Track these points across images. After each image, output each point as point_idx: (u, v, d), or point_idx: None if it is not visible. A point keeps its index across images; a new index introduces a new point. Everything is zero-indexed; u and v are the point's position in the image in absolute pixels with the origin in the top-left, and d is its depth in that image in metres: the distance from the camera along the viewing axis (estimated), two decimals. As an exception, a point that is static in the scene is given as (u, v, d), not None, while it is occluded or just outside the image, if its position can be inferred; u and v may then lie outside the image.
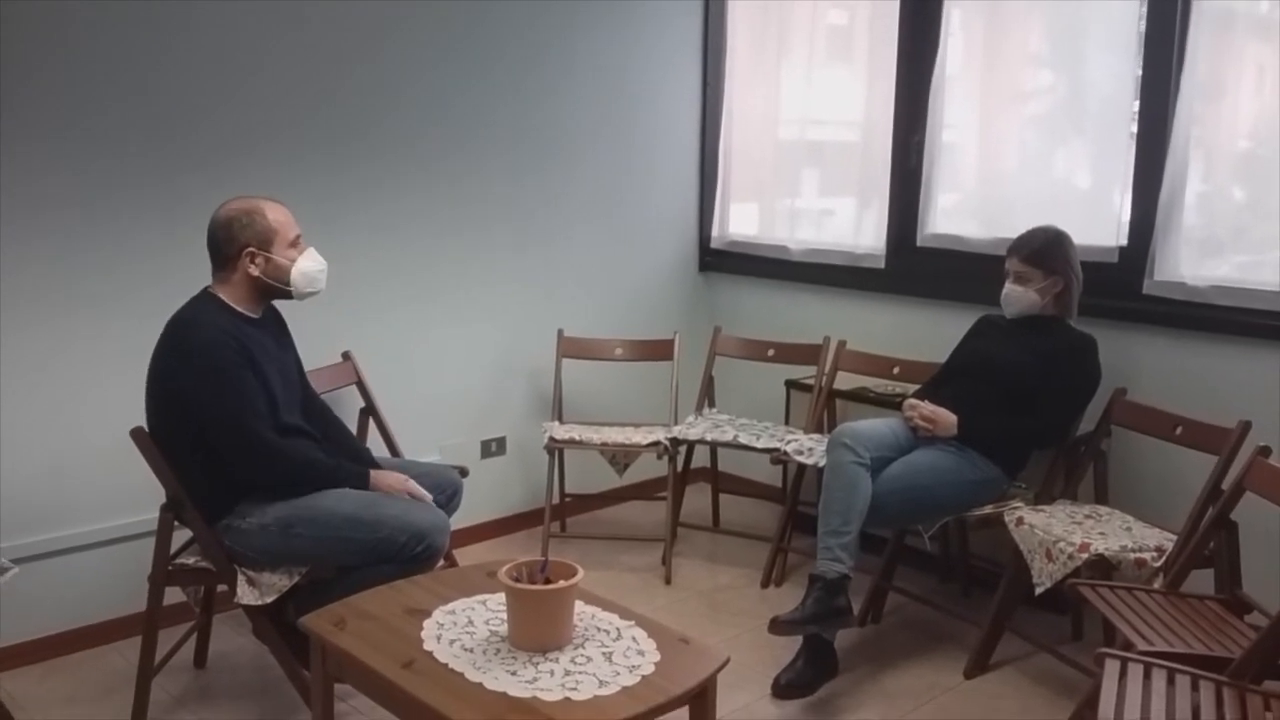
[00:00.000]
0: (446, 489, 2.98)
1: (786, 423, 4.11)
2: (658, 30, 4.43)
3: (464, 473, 3.18)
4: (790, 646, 3.05)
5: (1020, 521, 3.05)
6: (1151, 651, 2.25)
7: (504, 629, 2.25)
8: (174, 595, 2.90)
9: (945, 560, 3.76)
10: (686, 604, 3.64)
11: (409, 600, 2.42)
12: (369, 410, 3.52)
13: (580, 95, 4.22)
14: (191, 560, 2.80)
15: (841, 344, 3.91)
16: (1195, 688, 2.09)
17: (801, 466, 3.68)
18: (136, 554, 3.00)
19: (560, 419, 4.08)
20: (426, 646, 2.20)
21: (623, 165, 4.41)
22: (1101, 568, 2.84)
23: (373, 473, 2.85)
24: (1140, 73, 3.36)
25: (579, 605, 2.33)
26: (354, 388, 3.53)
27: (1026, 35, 3.79)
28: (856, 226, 4.22)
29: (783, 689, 2.95)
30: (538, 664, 2.13)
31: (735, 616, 3.53)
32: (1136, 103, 3.38)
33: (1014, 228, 3.36)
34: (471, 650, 2.18)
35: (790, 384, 4.13)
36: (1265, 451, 2.58)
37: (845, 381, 3.91)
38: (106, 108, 3.13)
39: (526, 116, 4.07)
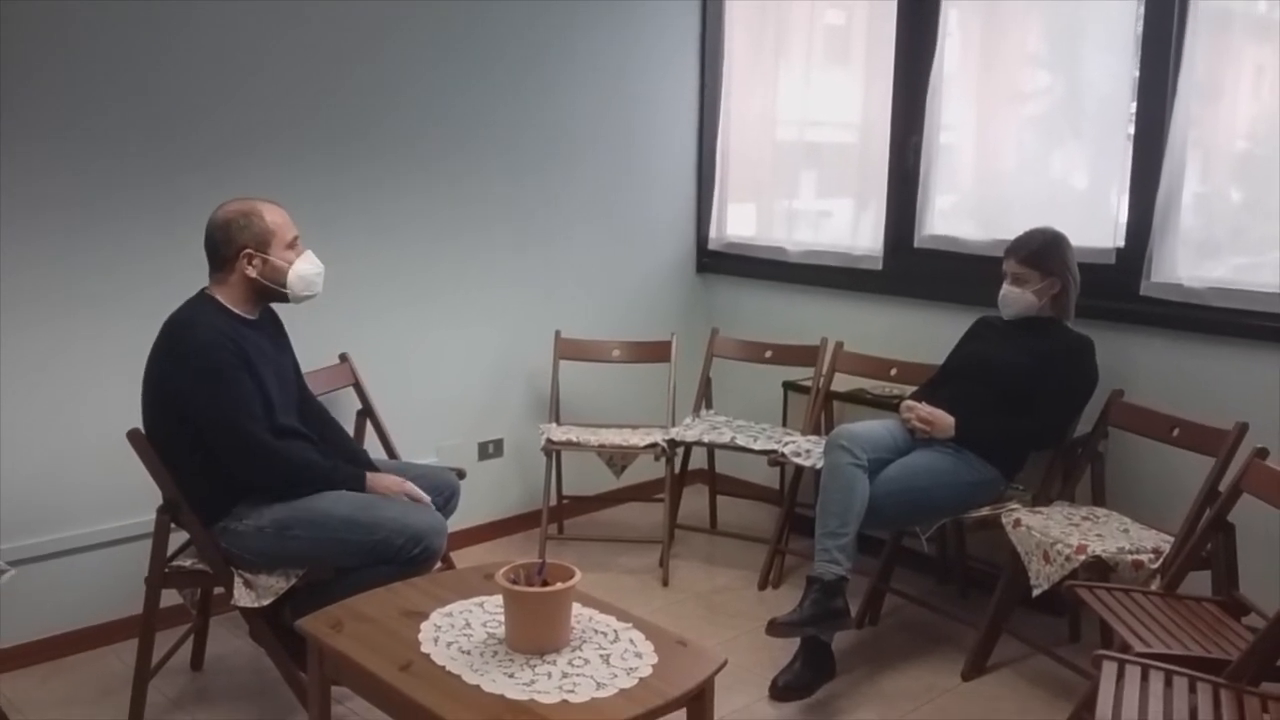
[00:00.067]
0: (444, 491, 2.98)
1: (784, 424, 4.10)
2: (656, 31, 4.43)
3: (461, 474, 3.18)
4: (788, 648, 3.05)
5: (1018, 523, 3.05)
6: (1149, 653, 2.25)
7: (501, 631, 2.25)
8: (171, 597, 2.89)
9: (943, 562, 3.76)
10: (684, 606, 3.64)
11: (406, 602, 2.41)
12: (366, 412, 3.52)
13: (579, 96, 4.22)
14: (188, 562, 2.80)
15: (839, 345, 3.91)
16: (1193, 690, 2.10)
17: (799, 468, 3.68)
18: (134, 556, 2.99)
19: (557, 421, 4.08)
20: (424, 649, 2.19)
21: (621, 166, 4.41)
22: (1099, 569, 2.84)
23: (369, 474, 2.85)
24: (1138, 74, 3.36)
25: (576, 607, 2.33)
26: (351, 389, 3.53)
27: (1024, 36, 3.79)
28: (854, 228, 4.22)
29: (780, 691, 2.95)
30: (535, 666, 2.13)
31: (733, 618, 3.53)
32: (1134, 104, 3.38)
33: (1011, 229, 3.36)
34: (469, 652, 2.18)
35: (788, 385, 4.13)
36: (1262, 453, 2.59)
37: (843, 383, 3.91)
38: (106, 108, 3.13)
39: (526, 116, 4.07)
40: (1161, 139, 3.28)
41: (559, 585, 2.20)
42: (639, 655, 2.19)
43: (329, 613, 2.36)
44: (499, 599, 2.30)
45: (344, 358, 3.54)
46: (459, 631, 2.27)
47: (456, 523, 3.17)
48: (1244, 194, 3.26)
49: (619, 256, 4.48)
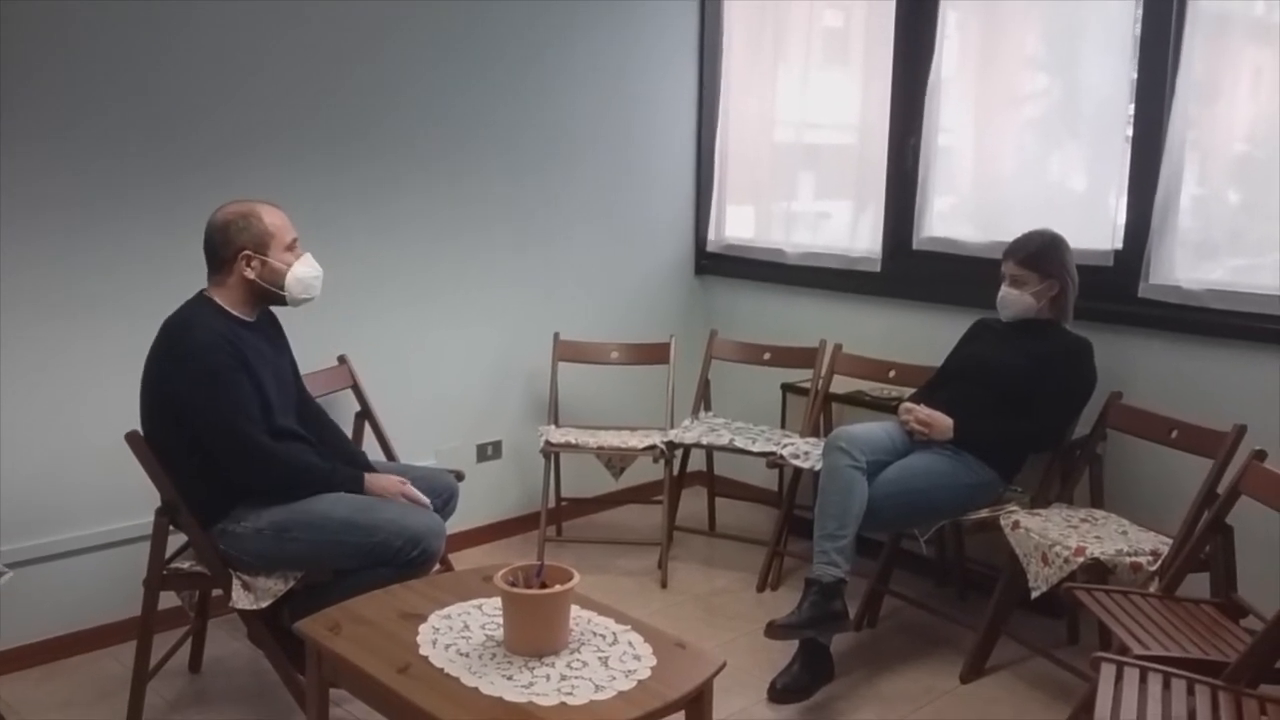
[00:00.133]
0: (442, 493, 2.98)
1: (782, 426, 4.10)
2: (656, 31, 4.43)
3: (460, 476, 3.18)
4: (786, 650, 3.05)
5: (1016, 525, 3.05)
6: (1147, 655, 2.25)
7: (500, 633, 2.25)
8: (169, 600, 2.89)
9: (941, 564, 3.75)
10: (682, 608, 3.64)
11: (404, 605, 2.41)
12: (364, 414, 3.52)
13: (578, 96, 4.22)
14: (186, 565, 2.80)
15: (837, 347, 3.91)
16: (1191, 692, 2.10)
17: (797, 470, 3.68)
18: (132, 558, 2.99)
19: (556, 422, 4.08)
20: (422, 651, 2.19)
21: (620, 167, 4.41)
22: (1097, 571, 2.84)
23: (368, 476, 2.85)
24: (1136, 76, 3.36)
25: (575, 609, 2.33)
26: (349, 391, 3.53)
27: (1022, 38, 3.79)
28: (852, 230, 4.22)
29: (779, 693, 2.95)
30: (533, 669, 2.13)
31: (731, 620, 3.53)
32: (1132, 106, 3.38)
33: (1010, 231, 3.37)
34: (467, 655, 2.18)
35: (786, 387, 4.13)
36: (1261, 455, 2.59)
37: (841, 385, 3.91)
38: (106, 108, 3.13)
39: (525, 116, 4.07)
40: (1159, 141, 3.28)
41: (557, 587, 2.20)
42: (637, 657, 2.19)
43: (327, 615, 2.35)
44: (497, 601, 2.29)
45: (342, 359, 3.54)
46: (457, 634, 2.27)
47: (455, 525, 3.17)
48: (1242, 196, 3.26)
49: (618, 258, 4.48)
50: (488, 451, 4.18)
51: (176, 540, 2.79)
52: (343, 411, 3.45)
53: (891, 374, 3.77)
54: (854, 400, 3.88)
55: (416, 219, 3.84)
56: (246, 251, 2.72)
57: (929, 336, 3.76)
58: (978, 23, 3.86)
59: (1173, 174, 3.27)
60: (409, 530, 2.68)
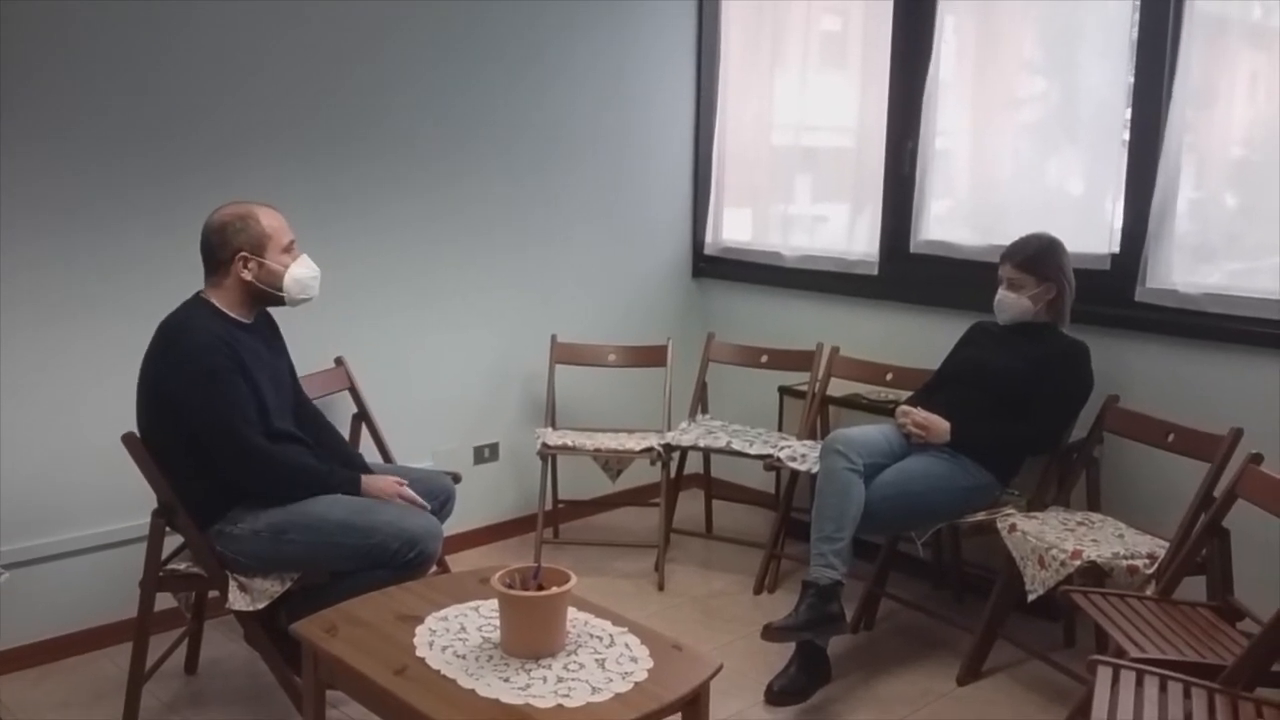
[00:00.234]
0: (439, 495, 2.98)
1: (780, 429, 4.11)
2: (654, 33, 4.43)
3: (456, 478, 3.17)
4: (783, 653, 3.05)
5: (1013, 528, 3.05)
6: (1144, 658, 2.25)
7: (496, 635, 2.25)
8: (166, 601, 2.89)
9: (938, 567, 3.75)
10: (679, 610, 3.64)
11: (401, 606, 2.41)
12: (361, 416, 3.52)
13: (577, 97, 4.22)
14: (183, 566, 2.79)
15: (835, 350, 3.91)
16: (1187, 695, 2.10)
17: (795, 473, 3.68)
18: (129, 559, 2.98)
19: (553, 425, 4.07)
20: (419, 653, 2.19)
21: (618, 168, 4.42)
22: (1094, 574, 2.85)
23: (365, 478, 2.85)
24: (1133, 80, 3.36)
25: (572, 612, 2.32)
26: (346, 393, 3.53)
27: (1019, 42, 3.80)
28: (850, 233, 4.23)
29: (776, 695, 2.95)
30: (530, 671, 2.13)
31: (728, 623, 3.53)
32: (1129, 110, 3.39)
33: (1007, 234, 3.37)
34: (464, 657, 2.18)
35: (783, 390, 4.13)
36: (1257, 459, 2.59)
37: (838, 388, 3.91)
38: (106, 108, 3.13)
39: (524, 117, 4.07)
40: (1156, 145, 3.29)
41: (554, 589, 2.20)
42: (634, 659, 2.19)
43: (324, 617, 2.35)
44: (494, 603, 2.29)
45: (340, 361, 3.54)
46: (454, 636, 2.27)
47: (452, 527, 3.16)
48: (1239, 200, 3.27)
49: (615, 260, 4.48)
50: (485, 453, 4.18)
51: (174, 541, 2.79)
52: (340, 413, 3.45)
53: (889, 377, 3.78)
54: (851, 403, 3.88)
55: (415, 220, 3.84)
56: (243, 253, 2.72)
57: (926, 339, 3.76)
58: (975, 26, 3.87)
59: (1170, 178, 3.27)
60: (406, 532, 2.68)
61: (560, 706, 2.00)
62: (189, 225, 2.84)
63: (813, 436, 3.82)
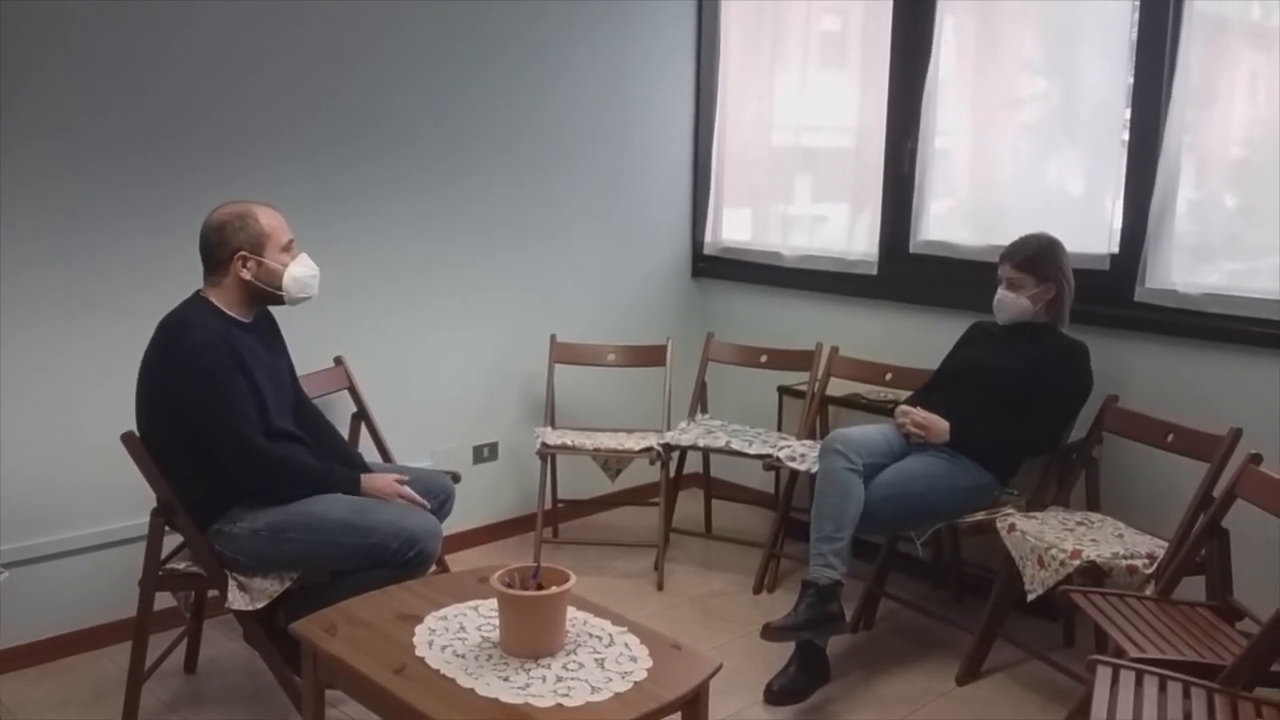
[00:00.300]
0: (438, 494, 2.98)
1: (779, 429, 4.11)
2: (653, 32, 4.43)
3: (456, 478, 3.17)
4: (783, 653, 3.05)
5: (1012, 528, 3.05)
6: (1143, 658, 2.25)
7: (496, 635, 2.25)
8: (165, 600, 2.89)
9: (938, 566, 3.76)
10: (679, 610, 3.64)
11: (401, 606, 2.41)
12: (361, 415, 3.52)
13: (577, 97, 4.22)
14: (182, 565, 2.79)
15: (834, 350, 3.91)
16: (1187, 695, 2.10)
17: (794, 472, 3.68)
18: (129, 558, 2.98)
19: (553, 424, 4.07)
20: (418, 652, 2.19)
21: (618, 168, 4.42)
22: (1093, 574, 2.85)
23: (364, 477, 2.85)
24: (1132, 80, 3.37)
25: (571, 611, 2.32)
26: (346, 393, 3.53)
27: (1019, 42, 3.80)
28: (849, 233, 4.23)
29: (775, 695, 2.95)
30: (530, 670, 2.13)
31: (728, 623, 3.53)
32: (1129, 110, 3.39)
33: (1006, 234, 3.37)
34: (463, 656, 2.18)
35: (783, 390, 4.14)
36: (1256, 459, 2.59)
37: (838, 388, 3.91)
38: (106, 108, 3.13)
39: (524, 117, 4.07)
40: (1156, 145, 3.29)
41: (554, 589, 2.20)
42: (634, 659, 2.19)
43: (323, 616, 2.35)
44: (494, 602, 2.29)
45: (339, 361, 3.54)
46: (453, 635, 2.27)
47: (451, 526, 3.17)
48: (1239, 200, 3.27)
49: (615, 260, 4.48)
50: (484, 453, 4.18)
51: (173, 541, 2.79)
52: (339, 413, 3.45)
53: (888, 377, 3.77)
54: (850, 403, 3.88)
55: (415, 220, 3.84)
56: (242, 252, 2.72)
57: (925, 339, 3.76)
58: (974, 26, 3.87)
59: (1169, 178, 3.27)
60: (406, 531, 2.68)
61: (560, 706, 2.00)
62: (189, 225, 2.83)
63: (812, 436, 3.82)
